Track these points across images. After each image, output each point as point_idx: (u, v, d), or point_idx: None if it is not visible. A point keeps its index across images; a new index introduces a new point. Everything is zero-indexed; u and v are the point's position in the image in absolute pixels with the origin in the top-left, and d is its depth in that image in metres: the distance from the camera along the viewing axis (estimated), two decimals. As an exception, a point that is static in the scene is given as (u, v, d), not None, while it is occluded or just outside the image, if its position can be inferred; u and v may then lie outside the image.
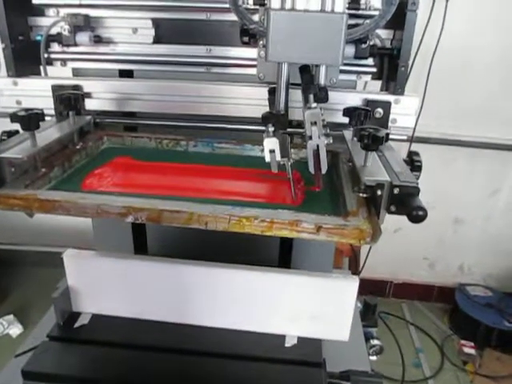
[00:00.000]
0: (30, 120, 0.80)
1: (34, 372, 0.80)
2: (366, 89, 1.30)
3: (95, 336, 0.89)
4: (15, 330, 2.27)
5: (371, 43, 1.05)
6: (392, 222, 2.12)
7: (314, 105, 0.79)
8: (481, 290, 2.57)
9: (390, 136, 0.85)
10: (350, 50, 1.05)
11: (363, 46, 1.03)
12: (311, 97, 0.79)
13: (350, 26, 0.75)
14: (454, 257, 2.65)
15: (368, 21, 1.02)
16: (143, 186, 0.86)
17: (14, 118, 0.79)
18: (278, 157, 0.82)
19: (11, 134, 0.94)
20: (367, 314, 1.19)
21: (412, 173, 0.81)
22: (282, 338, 0.90)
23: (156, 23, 1.09)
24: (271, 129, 0.82)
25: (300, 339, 0.90)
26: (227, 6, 1.05)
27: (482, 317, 2.35)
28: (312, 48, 0.72)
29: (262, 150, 1.03)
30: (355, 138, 0.95)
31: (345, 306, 0.88)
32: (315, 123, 0.79)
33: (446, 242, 2.60)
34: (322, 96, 0.79)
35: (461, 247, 2.61)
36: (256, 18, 0.87)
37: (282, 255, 1.15)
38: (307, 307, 0.89)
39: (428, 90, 2.14)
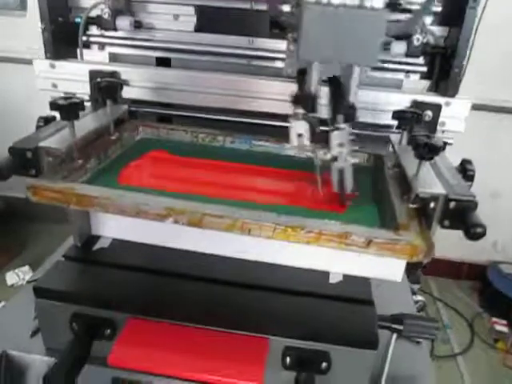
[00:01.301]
0: (70, 110, 0.77)
1: (46, 289, 0.75)
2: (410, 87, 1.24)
3: (114, 259, 0.81)
4: (31, 280, 2.28)
5: (424, 40, 0.99)
6: None
7: (343, 125, 0.74)
8: (515, 269, 2.47)
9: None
10: (401, 47, 0.99)
11: (416, 43, 0.97)
12: (340, 116, 0.74)
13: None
14: (488, 233, 2.52)
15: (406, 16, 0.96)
16: (181, 184, 0.83)
17: (53, 106, 0.76)
18: (307, 141, 0.77)
19: (48, 120, 0.92)
20: (409, 269, 1.10)
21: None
22: (326, 274, 0.79)
23: (199, 10, 1.05)
24: (300, 111, 0.75)
25: (345, 276, 0.79)
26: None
27: (517, 295, 2.25)
28: (348, 47, 0.65)
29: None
30: (403, 143, 0.90)
31: None
32: (342, 145, 0.75)
33: (481, 216, 2.47)
34: (351, 115, 0.74)
35: (496, 223, 2.45)
36: (287, 8, 0.80)
37: None
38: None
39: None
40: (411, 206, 0.75)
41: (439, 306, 2.44)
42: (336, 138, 0.75)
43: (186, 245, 0.81)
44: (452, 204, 0.68)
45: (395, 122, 0.94)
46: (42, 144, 0.76)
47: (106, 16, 1.04)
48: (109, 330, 0.73)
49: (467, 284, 2.61)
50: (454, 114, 0.99)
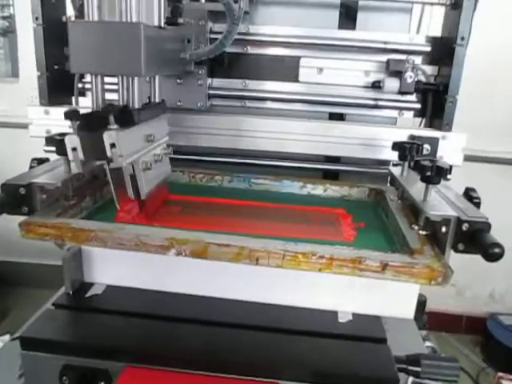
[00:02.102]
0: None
1: (33, 339, 0.67)
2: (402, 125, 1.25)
3: (107, 305, 0.75)
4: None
5: (416, 79, 1.01)
6: None
7: (115, 126, 0.68)
8: (515, 320, 2.39)
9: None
10: (394, 84, 1.02)
11: (409, 80, 1.00)
12: (111, 117, 0.68)
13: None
14: (484, 284, 2.47)
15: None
16: (182, 221, 0.80)
17: (49, 141, 0.74)
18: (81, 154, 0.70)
19: (42, 161, 0.89)
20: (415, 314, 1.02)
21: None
22: (334, 314, 0.74)
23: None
24: (75, 125, 0.71)
25: (355, 315, 0.74)
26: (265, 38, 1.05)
27: (521, 347, 2.16)
28: (112, 59, 0.68)
29: (302, 187, 0.99)
30: (405, 175, 0.90)
31: None
32: (114, 145, 0.67)
33: (475, 266, 2.44)
34: (125, 118, 0.69)
35: (491, 273, 2.42)
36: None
37: None
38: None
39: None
40: (422, 232, 0.72)
41: None
42: (108, 138, 0.67)
43: (184, 288, 0.77)
44: (465, 226, 0.66)
45: (394, 158, 0.94)
46: (35, 180, 0.73)
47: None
48: (103, 383, 0.66)
49: (468, 338, 2.52)
50: (451, 147, 0.99)
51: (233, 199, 0.92)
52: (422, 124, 1.10)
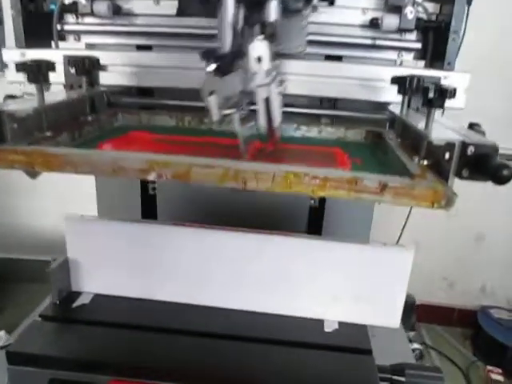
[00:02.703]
0: (39, 69, 0.69)
1: (20, 353, 0.66)
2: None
3: (95, 316, 0.74)
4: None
5: (416, 16, 0.95)
6: (409, 236, 1.94)
7: (261, 37, 0.65)
8: (505, 313, 2.39)
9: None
10: (393, 20, 0.95)
11: (409, 16, 0.93)
12: (256, 28, 0.66)
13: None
14: (476, 277, 2.48)
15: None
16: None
17: (19, 67, 0.69)
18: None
19: (16, 97, 0.83)
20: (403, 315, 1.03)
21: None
22: (320, 322, 0.76)
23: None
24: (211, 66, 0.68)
25: (342, 324, 0.76)
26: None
27: (510, 341, 2.16)
28: None
29: (296, 129, 0.93)
30: (405, 111, 0.84)
31: (397, 283, 0.73)
32: (261, 59, 0.65)
33: (467, 260, 2.43)
34: (270, 32, 0.66)
35: (483, 266, 2.44)
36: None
37: (311, 225, 0.99)
38: (350, 285, 0.74)
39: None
40: (423, 162, 0.67)
41: (433, 356, 2.32)
42: (253, 50, 0.65)
43: (173, 297, 0.77)
44: (470, 150, 0.61)
45: (393, 99, 0.89)
46: (4, 108, 0.67)
47: (82, 0, 0.99)
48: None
49: (459, 331, 2.51)
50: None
51: (223, 139, 0.86)
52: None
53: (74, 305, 0.76)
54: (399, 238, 1.91)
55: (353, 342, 0.70)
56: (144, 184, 1.05)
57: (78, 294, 0.78)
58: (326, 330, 0.73)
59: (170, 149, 0.78)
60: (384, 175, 0.58)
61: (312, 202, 0.93)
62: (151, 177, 0.58)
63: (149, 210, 1.05)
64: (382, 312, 0.74)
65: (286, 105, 0.99)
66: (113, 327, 0.71)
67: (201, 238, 0.75)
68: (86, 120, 0.85)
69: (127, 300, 0.77)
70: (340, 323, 0.74)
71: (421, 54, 1.02)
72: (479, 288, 2.49)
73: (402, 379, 0.67)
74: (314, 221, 0.95)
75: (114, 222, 0.77)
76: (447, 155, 0.62)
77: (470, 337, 2.47)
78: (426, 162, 0.67)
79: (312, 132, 0.93)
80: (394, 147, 0.77)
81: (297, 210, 0.94)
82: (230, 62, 0.69)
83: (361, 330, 0.73)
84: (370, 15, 0.99)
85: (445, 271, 2.47)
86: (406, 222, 1.83)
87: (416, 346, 0.99)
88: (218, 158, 0.60)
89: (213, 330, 0.71)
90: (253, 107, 0.72)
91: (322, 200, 0.94)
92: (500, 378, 2.12)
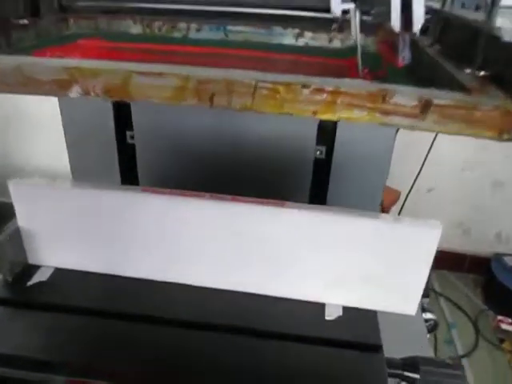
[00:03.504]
0: None
1: None
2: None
3: (53, 298, 0.58)
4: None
5: None
6: (425, 179, 1.80)
7: None
8: (520, 262, 2.27)
9: None
10: None
11: None
12: None
13: None
14: (492, 224, 2.35)
15: None
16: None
17: None
18: None
19: None
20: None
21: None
22: (320, 307, 0.58)
23: None
24: None
25: (346, 310, 0.58)
26: None
27: (523, 290, 2.06)
28: None
29: (297, 36, 0.72)
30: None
31: (418, 265, 0.55)
32: None
33: (484, 206, 2.30)
34: None
35: (499, 213, 2.30)
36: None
37: (313, 195, 0.79)
38: (360, 264, 0.56)
39: None
40: (480, 73, 0.46)
41: (442, 303, 2.23)
42: None
43: (147, 273, 0.60)
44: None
45: None
46: None
47: None
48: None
49: (470, 277, 2.40)
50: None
51: (204, 47, 0.65)
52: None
53: (30, 282, 0.59)
54: (412, 186, 1.77)
55: (359, 335, 0.52)
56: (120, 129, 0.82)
57: (36, 268, 0.62)
58: (328, 317, 0.55)
59: (122, 57, 0.57)
60: (425, 88, 0.38)
61: (318, 152, 0.72)
62: (73, 93, 0.39)
63: (127, 163, 0.84)
64: (398, 297, 0.56)
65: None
66: (75, 313, 0.55)
67: (178, 207, 0.55)
68: (18, 24, 0.64)
69: (92, 277, 0.60)
70: (344, 309, 0.57)
71: None
72: (494, 235, 2.38)
73: (416, 376, 0.51)
74: (318, 176, 0.74)
75: (68, 188, 0.58)
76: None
77: (482, 285, 2.37)
78: (483, 73, 0.46)
79: (320, 40, 0.71)
80: (432, 55, 0.56)
81: (299, 164, 0.73)
82: None
83: (369, 317, 0.55)
84: None
85: (460, 217, 2.36)
86: (421, 169, 1.69)
87: (430, 315, 0.84)
88: (173, 64, 0.39)
89: (190, 319, 0.54)
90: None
91: (330, 150, 0.73)
92: (509, 327, 2.06)
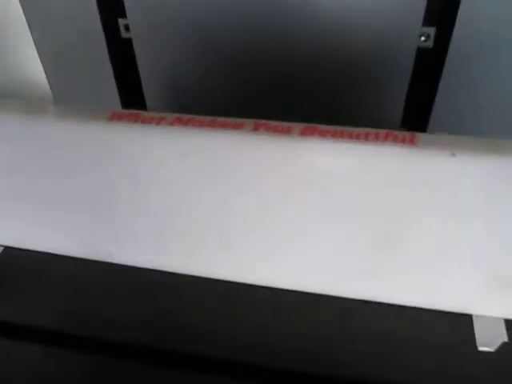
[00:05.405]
0: None
1: None
2: None
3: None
4: None
5: None
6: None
7: None
8: None
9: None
10: None
11: None
12: None
13: None
14: None
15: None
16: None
17: None
18: None
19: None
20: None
21: None
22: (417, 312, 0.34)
23: None
24: None
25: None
26: None
27: None
28: None
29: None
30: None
31: None
32: None
33: None
34: None
35: None
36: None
37: (409, 110, 0.49)
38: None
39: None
40: None
41: None
42: None
43: (127, 258, 0.39)
44: None
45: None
46: None
47: None
48: None
49: None
50: None
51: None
52: None
53: None
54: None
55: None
56: (109, 17, 0.56)
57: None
58: (481, 348, 0.31)
59: None
60: None
61: (422, 38, 0.41)
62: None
63: (123, 66, 0.59)
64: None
65: None
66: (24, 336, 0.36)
67: (232, 147, 0.32)
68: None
69: (53, 258, 0.40)
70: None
71: None
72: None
73: None
74: (420, 76, 0.44)
75: (36, 117, 0.36)
76: None
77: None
78: None
79: None
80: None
81: (391, 57, 0.43)
82: None
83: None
84: None
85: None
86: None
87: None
88: None
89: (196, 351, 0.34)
90: None
91: (444, 34, 0.44)
92: None
